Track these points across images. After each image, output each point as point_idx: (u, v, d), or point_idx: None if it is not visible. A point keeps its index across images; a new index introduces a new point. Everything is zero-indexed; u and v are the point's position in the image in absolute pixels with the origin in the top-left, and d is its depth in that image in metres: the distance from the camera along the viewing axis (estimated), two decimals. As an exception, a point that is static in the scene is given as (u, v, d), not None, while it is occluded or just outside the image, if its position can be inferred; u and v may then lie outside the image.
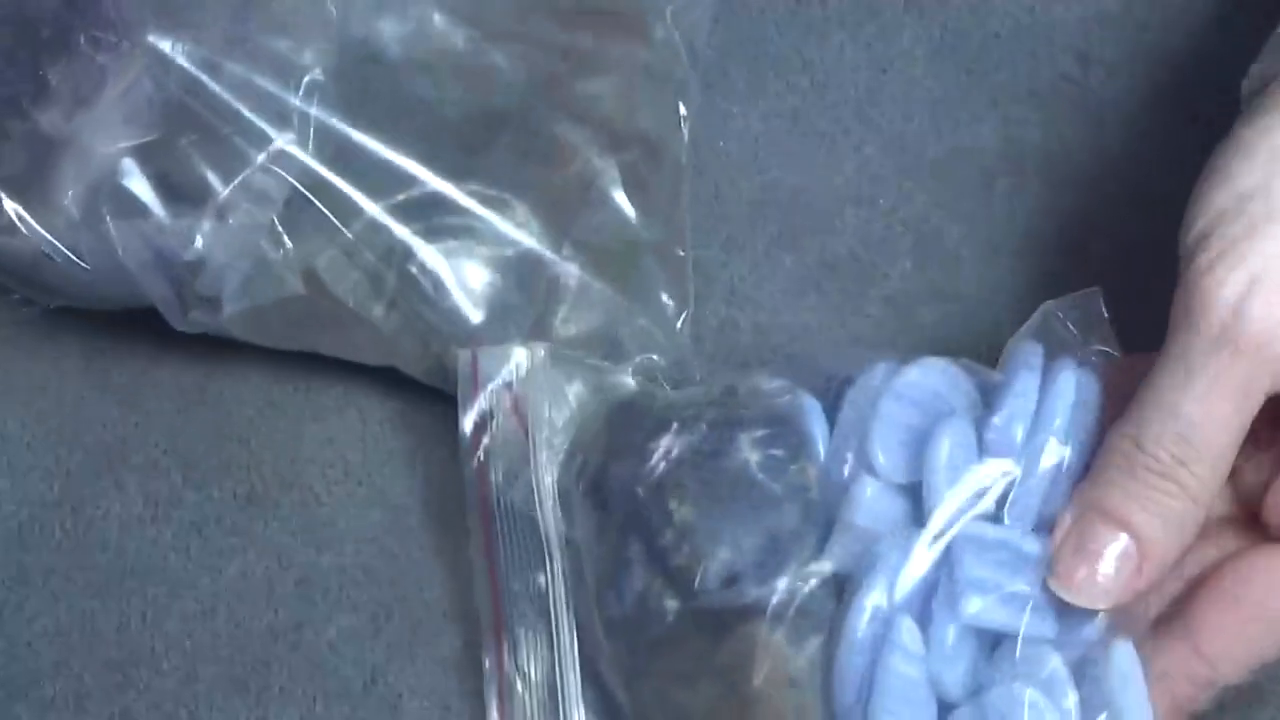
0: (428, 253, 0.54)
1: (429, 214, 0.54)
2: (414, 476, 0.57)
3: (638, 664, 0.50)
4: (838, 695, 0.48)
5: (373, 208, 0.53)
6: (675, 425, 0.51)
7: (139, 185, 0.52)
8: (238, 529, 0.57)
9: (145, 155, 0.52)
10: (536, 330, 0.55)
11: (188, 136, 0.52)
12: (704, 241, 0.60)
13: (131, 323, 0.58)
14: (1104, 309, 0.53)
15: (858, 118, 0.61)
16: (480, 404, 0.54)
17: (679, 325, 0.57)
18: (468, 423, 0.54)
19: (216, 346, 0.58)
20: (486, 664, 0.54)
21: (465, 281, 0.54)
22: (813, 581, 0.49)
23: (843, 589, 0.49)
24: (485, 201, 0.54)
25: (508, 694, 0.53)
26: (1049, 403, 0.50)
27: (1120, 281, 0.59)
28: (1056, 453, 0.49)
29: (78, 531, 0.57)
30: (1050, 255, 0.60)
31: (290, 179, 0.52)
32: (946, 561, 0.48)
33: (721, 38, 0.61)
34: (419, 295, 0.54)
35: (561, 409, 0.54)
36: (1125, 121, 0.61)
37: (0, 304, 0.59)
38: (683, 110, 0.58)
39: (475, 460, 0.54)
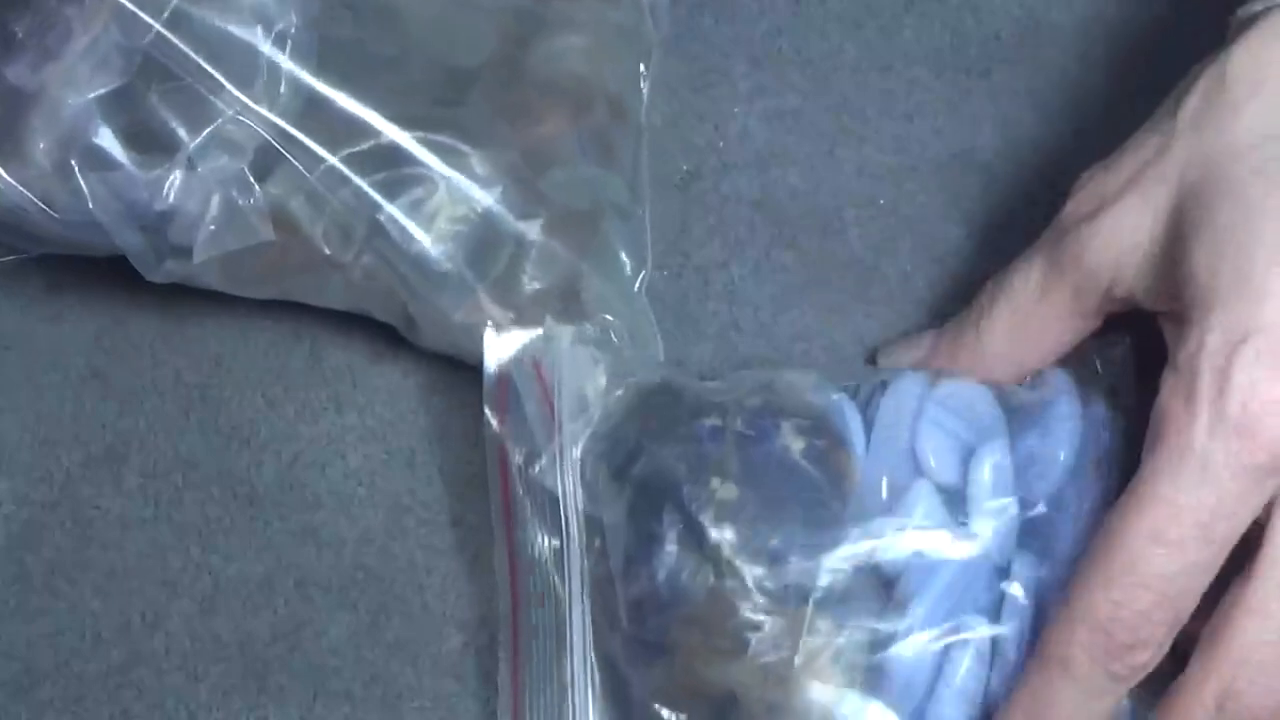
0: (395, 204, 0.54)
1: (397, 166, 0.54)
2: (414, 476, 0.57)
3: (665, 641, 0.51)
4: (897, 691, 0.49)
5: (341, 159, 0.53)
6: (716, 409, 0.52)
7: (107, 137, 0.52)
8: (238, 529, 0.57)
9: (114, 106, 0.52)
10: (500, 284, 0.55)
11: (156, 87, 0.52)
12: (704, 241, 0.60)
13: (132, 323, 0.58)
14: (1129, 353, 0.54)
15: (858, 118, 0.61)
16: (506, 380, 0.54)
17: (636, 286, 0.57)
18: (492, 398, 0.54)
19: (217, 346, 0.58)
20: (502, 633, 0.54)
21: (431, 233, 0.54)
22: (857, 566, 0.50)
23: (889, 580, 0.50)
24: (453, 156, 0.54)
25: (522, 665, 0.53)
26: (1091, 430, 0.52)
27: (1120, 282, 0.59)
28: (1101, 478, 0.51)
29: (78, 531, 0.57)
30: (1050, 255, 0.60)
31: (259, 130, 0.52)
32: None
33: (721, 37, 0.61)
34: (387, 244, 0.54)
35: (588, 389, 0.54)
36: (1125, 121, 0.61)
37: (1, 305, 0.59)
38: (643, 69, 0.58)
39: (499, 436, 0.54)
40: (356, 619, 0.56)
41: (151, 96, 0.52)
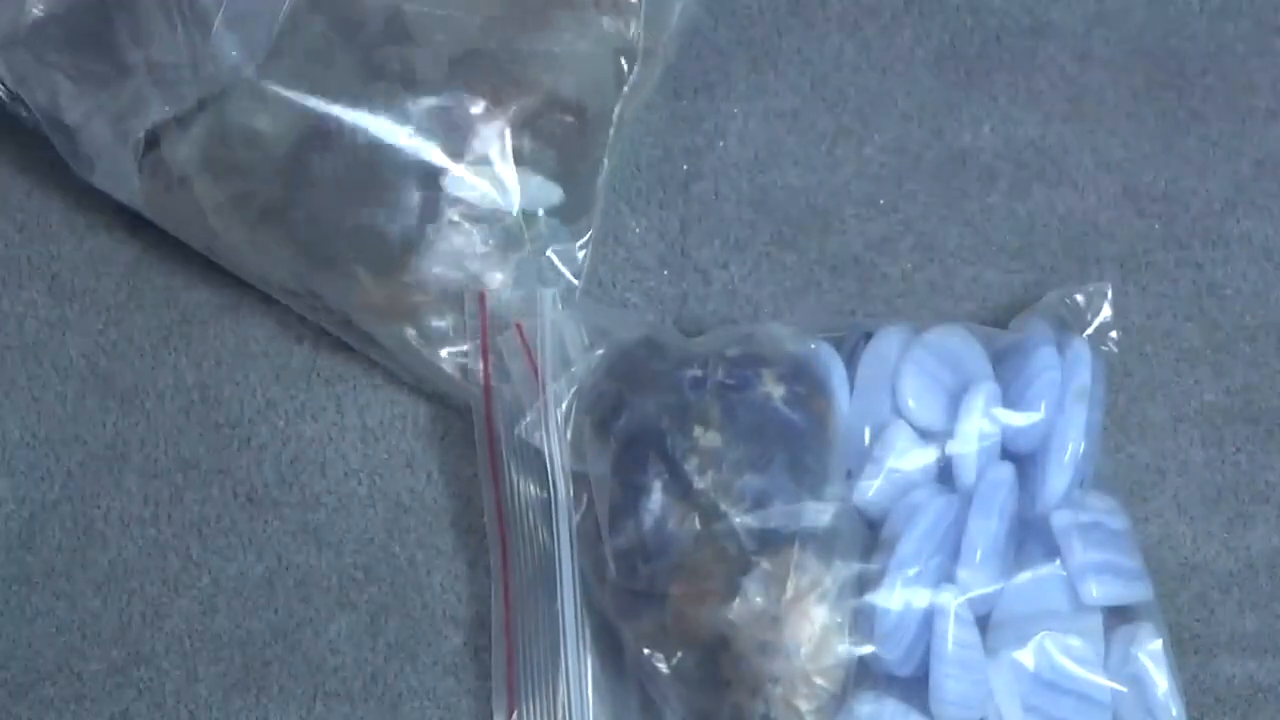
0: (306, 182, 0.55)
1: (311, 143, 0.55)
2: (414, 476, 0.57)
3: (654, 590, 0.51)
4: (884, 653, 0.50)
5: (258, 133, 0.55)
6: (698, 361, 0.53)
7: (51, 44, 0.55)
8: (238, 529, 0.57)
9: (72, 24, 0.55)
10: (405, 275, 0.55)
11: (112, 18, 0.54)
12: (704, 241, 0.60)
13: (132, 323, 0.58)
14: (1109, 303, 0.55)
15: (858, 118, 0.61)
16: (489, 342, 0.55)
17: (568, 291, 0.57)
18: (476, 360, 0.55)
19: (217, 346, 0.58)
20: (493, 591, 0.55)
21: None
22: (840, 507, 0.51)
23: (872, 523, 0.51)
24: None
25: (515, 620, 0.54)
26: (1072, 369, 0.53)
27: (1120, 281, 0.59)
28: (1084, 411, 0.52)
29: (78, 531, 0.57)
30: (1050, 255, 0.60)
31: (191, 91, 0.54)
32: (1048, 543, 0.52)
33: (722, 38, 0.61)
34: (282, 223, 0.55)
35: (570, 347, 0.54)
36: (1125, 121, 0.61)
37: (1, 305, 0.59)
38: (629, 77, 0.57)
39: (484, 396, 0.55)
40: (356, 619, 0.56)
41: (101, 26, 0.54)
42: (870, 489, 0.51)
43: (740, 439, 0.51)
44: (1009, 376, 0.53)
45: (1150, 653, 0.52)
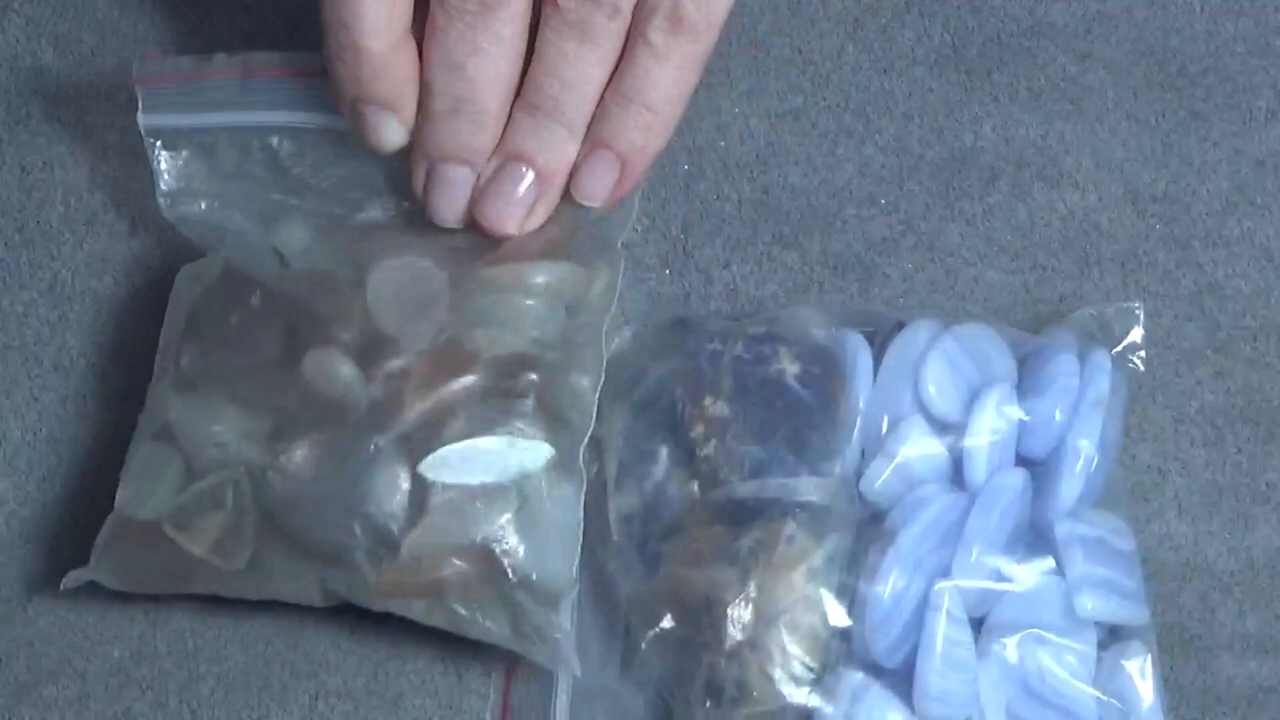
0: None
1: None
2: (415, 476, 0.57)
3: (651, 551, 0.52)
4: (872, 642, 0.50)
5: None
6: (719, 336, 0.54)
7: None
8: (239, 528, 0.57)
9: None
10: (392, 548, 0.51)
11: None
12: (705, 241, 0.60)
13: (132, 322, 0.58)
14: (1140, 325, 0.55)
15: (858, 118, 0.61)
16: None
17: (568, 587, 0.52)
18: None
19: (217, 346, 0.58)
20: None
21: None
22: (837, 485, 0.51)
23: (878, 514, 0.52)
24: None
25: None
26: (1090, 378, 0.53)
27: (1120, 281, 0.59)
28: (1099, 420, 0.52)
29: (78, 531, 0.57)
30: (1051, 255, 0.60)
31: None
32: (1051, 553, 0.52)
33: (722, 38, 0.61)
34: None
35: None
36: (1125, 121, 0.61)
37: (2, 306, 0.59)
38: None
39: None
40: (357, 616, 0.56)
41: None
42: (879, 478, 0.51)
43: (747, 410, 0.52)
44: (1027, 380, 0.53)
45: (1137, 667, 0.51)
